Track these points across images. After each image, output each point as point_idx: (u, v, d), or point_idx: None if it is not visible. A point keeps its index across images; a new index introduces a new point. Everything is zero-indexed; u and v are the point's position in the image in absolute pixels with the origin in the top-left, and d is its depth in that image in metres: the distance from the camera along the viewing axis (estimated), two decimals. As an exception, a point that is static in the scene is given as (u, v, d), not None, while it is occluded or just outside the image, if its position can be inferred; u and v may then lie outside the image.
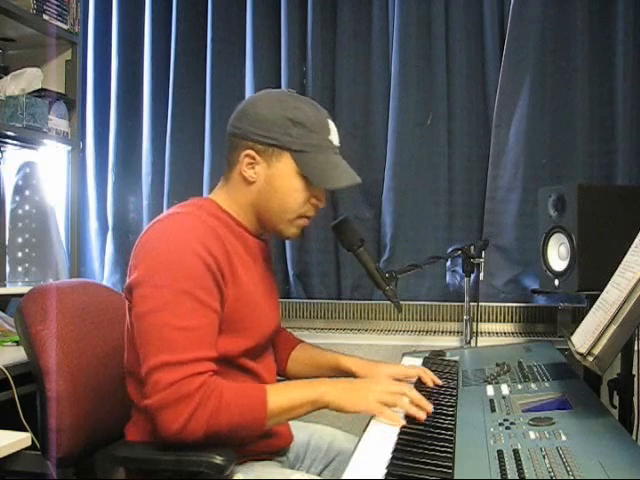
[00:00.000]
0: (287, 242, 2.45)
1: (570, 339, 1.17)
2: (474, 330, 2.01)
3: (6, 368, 1.60)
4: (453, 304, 2.36)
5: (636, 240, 1.15)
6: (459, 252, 1.96)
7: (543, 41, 2.27)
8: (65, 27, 2.32)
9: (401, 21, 2.35)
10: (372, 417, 1.16)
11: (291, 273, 2.46)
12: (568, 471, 0.86)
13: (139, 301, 1.13)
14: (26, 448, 1.21)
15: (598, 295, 1.17)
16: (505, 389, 1.31)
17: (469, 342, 1.98)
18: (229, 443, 1.13)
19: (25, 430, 1.41)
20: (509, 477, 0.87)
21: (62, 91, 2.37)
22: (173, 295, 1.10)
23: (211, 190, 1.35)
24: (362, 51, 2.43)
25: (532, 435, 1.01)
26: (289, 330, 1.58)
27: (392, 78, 2.37)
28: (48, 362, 1.30)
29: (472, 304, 2.03)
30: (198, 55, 2.54)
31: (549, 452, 0.93)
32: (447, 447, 1.00)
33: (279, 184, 1.23)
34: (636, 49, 2.20)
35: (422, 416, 1.12)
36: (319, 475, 1.40)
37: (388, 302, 1.62)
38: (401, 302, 1.60)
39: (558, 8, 2.26)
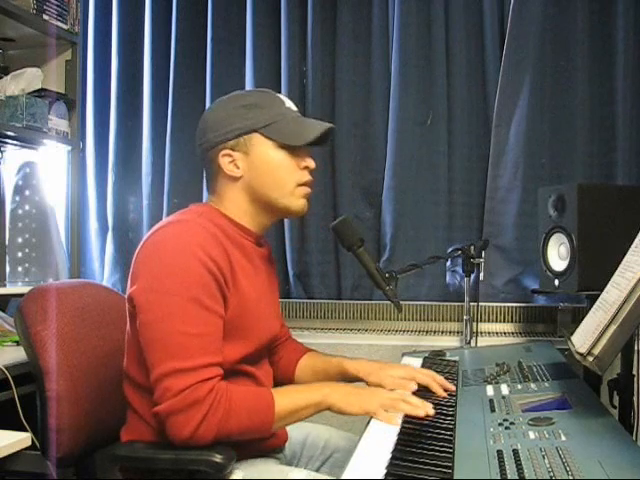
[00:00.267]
0: (287, 242, 2.45)
1: (570, 339, 1.17)
2: (474, 330, 2.01)
3: (6, 368, 1.61)
4: (453, 304, 2.36)
5: (636, 240, 1.15)
6: (459, 252, 1.96)
7: (543, 41, 2.27)
8: (65, 27, 2.32)
9: (401, 21, 2.35)
10: (372, 417, 1.16)
11: (291, 273, 2.46)
12: (568, 471, 0.86)
13: (145, 308, 1.13)
14: (26, 448, 1.21)
15: (598, 295, 1.17)
16: (505, 389, 1.31)
17: (469, 342, 1.98)
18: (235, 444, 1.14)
19: (25, 430, 1.42)
20: (509, 477, 0.87)
21: (62, 91, 2.37)
22: (180, 302, 1.10)
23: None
24: (362, 51, 2.44)
25: (532, 435, 1.01)
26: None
27: (392, 78, 2.38)
28: (48, 362, 1.30)
29: (472, 304, 2.03)
30: (198, 55, 2.55)
31: (549, 452, 0.93)
32: (447, 447, 1.00)
33: (263, 164, 1.25)
34: (636, 49, 2.20)
35: (420, 413, 1.13)
36: (317, 472, 1.40)
37: (388, 302, 1.62)
38: (401, 302, 1.60)
39: (558, 8, 2.26)
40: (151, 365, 1.11)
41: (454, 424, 1.12)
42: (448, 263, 2.36)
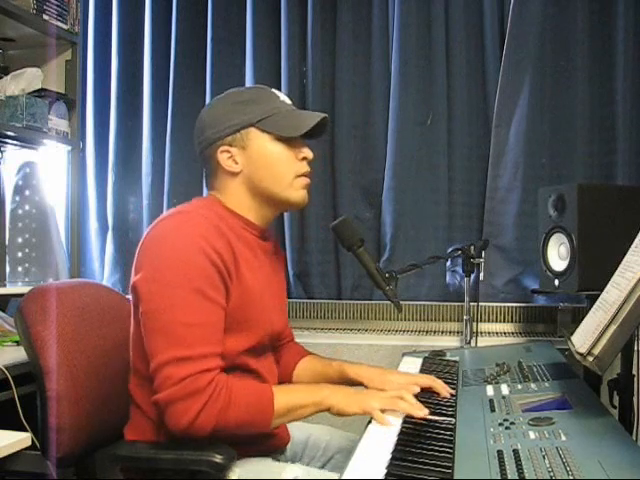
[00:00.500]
0: (287, 242, 2.45)
1: (570, 339, 1.17)
2: (474, 330, 2.01)
3: (6, 368, 1.60)
4: (453, 304, 2.36)
5: (636, 240, 1.15)
6: (459, 252, 1.96)
7: (543, 41, 2.27)
8: (65, 27, 2.32)
9: (401, 21, 2.35)
10: (372, 417, 1.16)
11: (291, 273, 2.46)
12: (568, 471, 0.86)
13: (147, 298, 1.13)
14: (26, 448, 1.21)
15: (598, 295, 1.17)
16: (505, 389, 1.31)
17: (469, 342, 1.98)
18: (233, 440, 1.14)
19: (25, 430, 1.41)
20: (509, 477, 0.87)
21: (62, 91, 2.37)
22: (182, 292, 1.11)
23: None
24: (362, 51, 2.44)
25: (532, 435, 1.01)
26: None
27: (392, 78, 2.38)
28: (48, 362, 1.29)
29: (472, 304, 2.03)
30: (198, 55, 2.55)
31: (549, 452, 0.93)
32: (447, 447, 1.00)
33: (261, 157, 1.26)
34: (636, 49, 2.20)
35: (419, 413, 1.13)
36: (317, 473, 1.41)
37: (388, 302, 1.62)
38: (401, 302, 1.60)
39: (558, 8, 2.26)
40: (151, 354, 1.11)
41: (454, 424, 1.12)
42: (448, 263, 2.37)
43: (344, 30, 2.43)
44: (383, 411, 1.15)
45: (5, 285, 2.24)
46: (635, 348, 1.62)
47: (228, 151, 1.25)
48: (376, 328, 2.40)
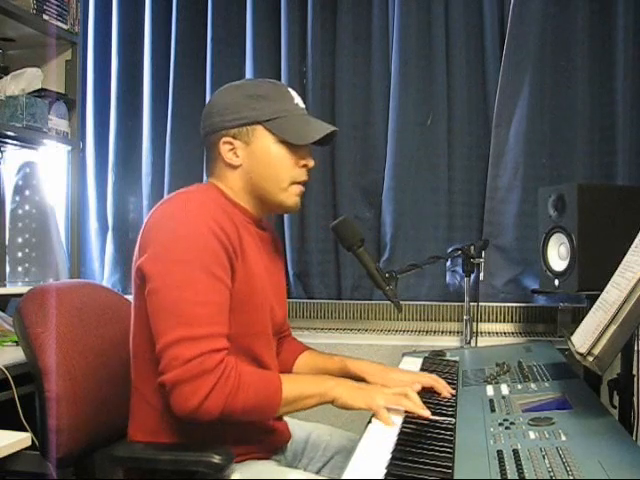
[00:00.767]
0: (287, 242, 2.45)
1: (570, 339, 1.17)
2: (474, 330, 2.01)
3: (6, 368, 1.60)
4: (453, 304, 2.36)
5: (636, 240, 1.15)
6: (459, 252, 1.96)
7: (543, 41, 2.27)
8: (65, 27, 2.32)
9: (401, 21, 2.35)
10: (372, 416, 1.16)
11: (291, 273, 2.46)
12: (568, 471, 0.86)
13: (155, 277, 1.11)
14: (26, 448, 1.20)
15: (598, 295, 1.17)
16: (505, 389, 1.31)
17: (469, 342, 1.98)
18: (234, 437, 1.14)
19: (25, 430, 1.41)
20: (509, 477, 0.87)
21: (62, 91, 2.37)
22: (190, 271, 1.10)
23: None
24: (362, 51, 2.44)
25: (532, 435, 1.01)
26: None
27: (392, 78, 2.38)
28: (47, 362, 1.29)
29: (472, 304, 2.03)
30: (198, 55, 2.55)
31: (549, 452, 0.93)
32: (447, 447, 1.00)
33: (262, 157, 1.25)
34: (636, 49, 2.20)
35: (421, 412, 1.13)
36: (317, 473, 1.40)
37: (388, 302, 1.62)
38: (401, 302, 1.60)
39: (558, 8, 2.26)
40: (157, 334, 1.09)
41: (454, 424, 1.12)
42: (448, 263, 2.36)
43: (344, 30, 2.43)
44: (387, 409, 1.15)
45: (5, 285, 2.24)
46: (635, 348, 1.62)
47: (231, 143, 1.25)
48: (376, 328, 2.40)
